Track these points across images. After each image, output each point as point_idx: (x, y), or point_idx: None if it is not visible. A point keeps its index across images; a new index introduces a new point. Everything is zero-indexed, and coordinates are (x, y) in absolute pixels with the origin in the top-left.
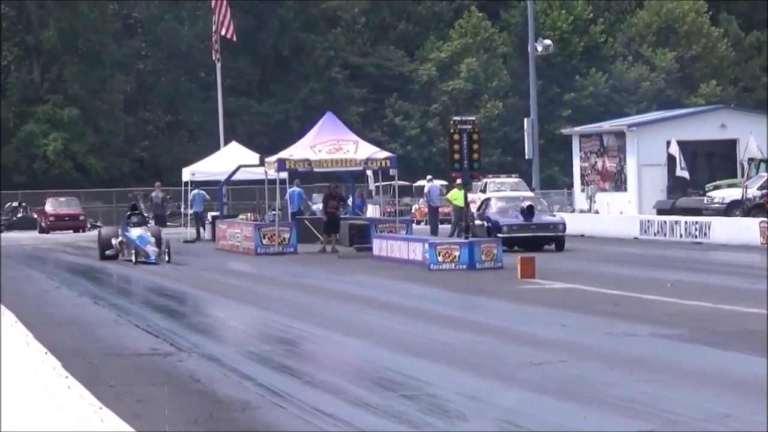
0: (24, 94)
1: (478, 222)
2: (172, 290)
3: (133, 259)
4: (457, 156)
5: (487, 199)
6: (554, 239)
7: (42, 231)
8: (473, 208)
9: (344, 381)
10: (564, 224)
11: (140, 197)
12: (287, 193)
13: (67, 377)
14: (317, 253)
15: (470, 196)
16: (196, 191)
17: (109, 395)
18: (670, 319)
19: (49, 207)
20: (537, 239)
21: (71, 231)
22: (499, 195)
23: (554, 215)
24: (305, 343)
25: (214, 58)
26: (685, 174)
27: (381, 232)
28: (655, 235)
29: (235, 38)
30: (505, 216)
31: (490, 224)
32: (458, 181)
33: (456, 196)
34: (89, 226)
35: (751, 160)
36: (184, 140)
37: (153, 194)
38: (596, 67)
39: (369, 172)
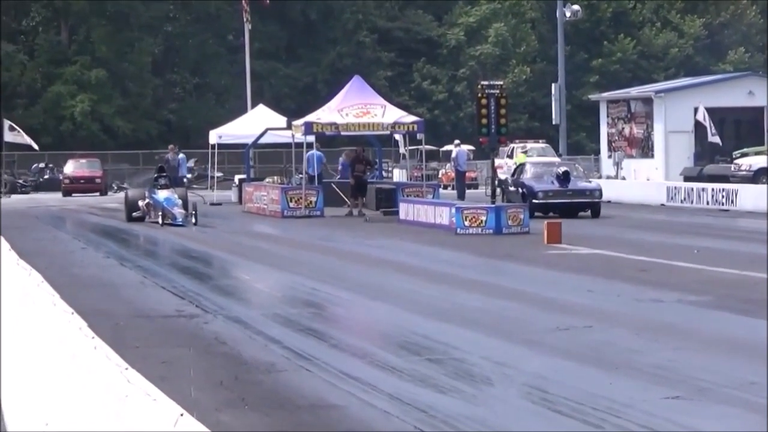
0: (51, 56)
1: (512, 188)
2: (199, 252)
3: (160, 221)
4: (484, 121)
5: (522, 165)
6: (590, 205)
7: (65, 194)
8: (500, 173)
9: (370, 345)
10: (600, 190)
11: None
12: (306, 156)
13: (93, 338)
14: (344, 217)
15: (497, 161)
16: (182, 156)
17: (135, 357)
18: (697, 286)
19: (69, 168)
20: (573, 205)
21: (89, 194)
22: (534, 160)
23: (590, 181)
24: (331, 306)
25: (244, 19)
26: (717, 140)
27: (408, 196)
28: (681, 202)
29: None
30: (541, 182)
31: (524, 190)
32: (527, 146)
33: (523, 160)
34: (115, 188)
35: None
36: (211, 103)
37: (168, 156)
38: (624, 33)
39: (399, 136)
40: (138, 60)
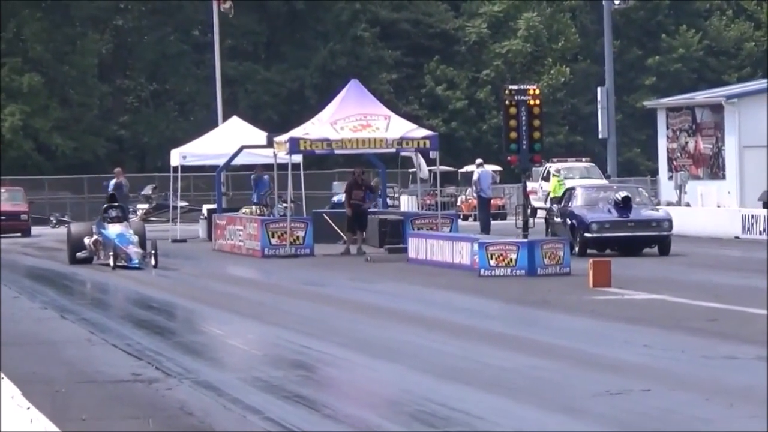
0: None
1: (558, 219)
2: (159, 301)
3: (111, 262)
4: (513, 135)
5: (571, 189)
6: (657, 240)
7: None
8: (533, 200)
9: (373, 414)
10: (670, 221)
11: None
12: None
13: (29, 409)
14: (339, 256)
15: (529, 185)
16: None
17: (81, 431)
18: None
19: None
20: (635, 240)
21: (10, 235)
22: (586, 183)
23: (656, 209)
24: (325, 367)
25: (221, 8)
26: None
27: (419, 229)
28: (760, 233)
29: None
30: (594, 210)
31: (574, 221)
32: (559, 168)
33: (556, 187)
34: (54, 222)
35: None
36: (173, 115)
37: (122, 181)
38: (687, 24)
39: (417, 156)
40: (81, 62)
